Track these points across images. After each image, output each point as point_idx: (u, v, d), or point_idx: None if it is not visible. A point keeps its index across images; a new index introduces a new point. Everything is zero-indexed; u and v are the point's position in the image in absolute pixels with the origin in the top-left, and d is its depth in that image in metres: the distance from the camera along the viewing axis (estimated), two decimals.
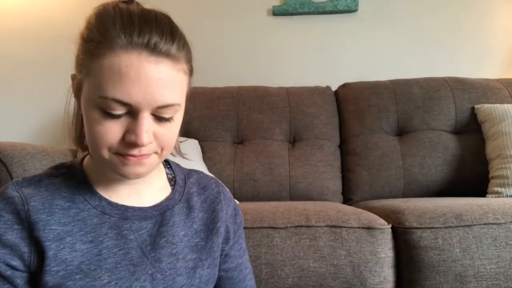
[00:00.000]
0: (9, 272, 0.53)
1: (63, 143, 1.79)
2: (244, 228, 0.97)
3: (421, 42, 1.96)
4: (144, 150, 0.53)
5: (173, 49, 0.52)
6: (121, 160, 0.53)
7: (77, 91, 0.55)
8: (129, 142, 0.52)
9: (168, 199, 0.63)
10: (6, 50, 2.00)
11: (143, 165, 0.55)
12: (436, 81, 1.68)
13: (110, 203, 0.59)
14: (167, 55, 0.51)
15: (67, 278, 0.53)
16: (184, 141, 0.69)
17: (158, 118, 0.53)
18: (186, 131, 1.66)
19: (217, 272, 0.66)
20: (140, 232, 0.59)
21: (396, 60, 1.96)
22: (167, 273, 0.59)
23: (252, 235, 0.98)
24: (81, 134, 0.60)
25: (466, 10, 1.94)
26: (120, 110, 0.51)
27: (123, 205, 0.59)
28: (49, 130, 1.98)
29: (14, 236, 0.53)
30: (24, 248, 0.53)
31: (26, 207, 0.53)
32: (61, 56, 2.04)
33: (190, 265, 0.61)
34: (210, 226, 0.65)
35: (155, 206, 0.62)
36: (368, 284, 0.95)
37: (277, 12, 1.97)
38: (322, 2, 1.93)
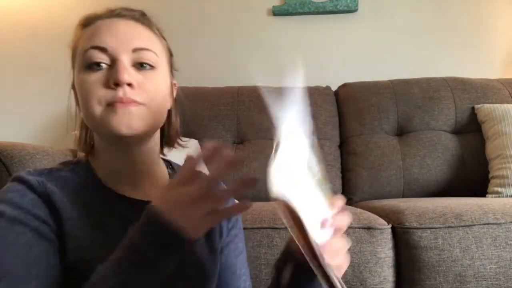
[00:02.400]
0: (51, 235, 0.53)
1: (63, 143, 1.79)
2: (244, 228, 0.97)
3: (421, 42, 1.96)
4: (129, 93, 0.56)
5: (137, 15, 0.62)
6: (111, 110, 0.56)
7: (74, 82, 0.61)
8: (112, 82, 0.56)
9: None
10: (6, 50, 2.00)
11: (131, 114, 0.56)
12: (436, 81, 1.68)
13: (118, 196, 0.60)
14: (133, 18, 0.61)
15: (83, 256, 0.53)
16: (187, 141, 0.71)
17: (137, 66, 0.59)
18: (186, 131, 1.66)
19: (218, 266, 0.66)
20: None
21: (396, 60, 1.96)
22: None
23: (252, 236, 0.98)
24: (85, 138, 0.64)
25: (466, 10, 1.94)
26: (100, 58, 0.57)
27: (130, 198, 0.60)
28: (49, 130, 1.98)
29: (41, 212, 0.54)
30: (51, 223, 0.54)
31: (44, 189, 0.55)
32: (61, 56, 2.03)
33: None
34: None
35: None
36: (368, 284, 0.95)
37: (277, 12, 1.97)
38: (322, 2, 1.93)
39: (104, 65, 0.57)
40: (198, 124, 1.65)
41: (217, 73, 2.00)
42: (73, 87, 0.63)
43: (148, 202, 0.60)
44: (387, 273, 0.97)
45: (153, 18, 0.65)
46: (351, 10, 1.94)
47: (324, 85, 1.79)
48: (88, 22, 0.61)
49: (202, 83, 1.80)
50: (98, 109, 0.56)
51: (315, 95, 1.70)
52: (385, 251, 0.98)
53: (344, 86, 1.78)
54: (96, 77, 0.57)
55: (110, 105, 0.56)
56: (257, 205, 1.13)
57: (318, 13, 1.96)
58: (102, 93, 0.56)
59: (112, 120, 0.56)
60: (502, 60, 1.94)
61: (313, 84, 1.80)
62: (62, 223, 0.54)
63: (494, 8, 1.94)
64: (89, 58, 0.57)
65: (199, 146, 1.61)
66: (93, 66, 0.57)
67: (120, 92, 0.56)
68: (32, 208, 0.53)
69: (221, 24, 2.03)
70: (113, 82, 0.56)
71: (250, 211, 1.04)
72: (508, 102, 1.58)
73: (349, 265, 0.95)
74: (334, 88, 1.79)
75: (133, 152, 0.61)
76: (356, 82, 1.76)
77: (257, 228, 0.98)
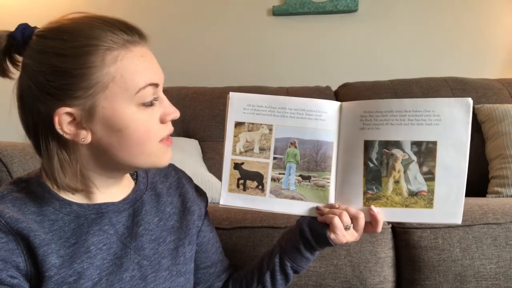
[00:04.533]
0: (15, 281, 0.51)
1: None
2: (244, 227, 0.98)
3: (421, 42, 1.96)
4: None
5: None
6: (165, 147, 0.59)
7: (83, 118, 0.53)
8: (170, 120, 0.59)
9: (134, 191, 0.65)
10: None
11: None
12: (436, 81, 1.68)
13: (81, 205, 0.58)
14: (146, 38, 0.58)
15: (62, 282, 0.53)
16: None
17: None
18: (186, 131, 1.66)
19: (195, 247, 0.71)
20: (117, 227, 0.60)
21: (396, 60, 1.96)
22: (152, 258, 0.62)
23: (252, 235, 0.98)
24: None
25: (466, 10, 1.94)
26: (151, 96, 0.56)
27: (95, 203, 0.60)
28: None
29: (3, 250, 0.51)
30: (18, 258, 0.52)
31: (3, 221, 0.52)
32: None
33: (171, 247, 0.65)
34: (181, 208, 0.69)
35: (124, 199, 0.63)
36: (368, 284, 0.95)
37: (277, 12, 1.97)
38: (322, 2, 1.94)
39: (152, 102, 0.57)
40: (198, 124, 1.65)
41: (217, 73, 2.00)
42: (61, 115, 0.53)
43: (112, 203, 0.61)
44: (387, 273, 0.97)
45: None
46: (351, 10, 1.94)
47: (324, 85, 1.79)
48: (133, 39, 0.55)
49: (202, 83, 1.80)
50: (154, 147, 0.58)
51: (315, 95, 1.70)
52: (385, 251, 0.98)
53: (344, 86, 1.78)
54: (150, 114, 0.57)
55: (162, 141, 0.59)
56: None
57: (318, 13, 1.96)
58: (160, 131, 0.58)
59: (167, 156, 0.60)
60: (502, 60, 1.94)
61: (313, 84, 1.81)
62: (34, 252, 0.52)
63: (494, 8, 1.94)
64: (148, 96, 0.56)
65: (199, 146, 1.61)
66: (147, 102, 0.56)
67: (171, 127, 0.60)
68: (6, 255, 0.51)
69: (221, 24, 2.03)
70: (170, 119, 0.59)
71: (250, 210, 1.04)
72: (508, 102, 1.58)
73: (349, 265, 0.96)
74: (334, 88, 1.79)
75: (126, 172, 0.65)
76: (356, 82, 1.76)
77: (257, 227, 0.98)
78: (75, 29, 0.53)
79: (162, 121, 0.58)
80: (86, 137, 0.54)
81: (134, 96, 0.54)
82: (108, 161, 0.57)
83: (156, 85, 0.56)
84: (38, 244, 0.52)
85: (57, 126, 0.53)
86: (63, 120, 0.53)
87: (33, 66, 0.53)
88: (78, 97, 0.52)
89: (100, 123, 0.54)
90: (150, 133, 0.56)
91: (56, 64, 0.52)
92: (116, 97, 0.53)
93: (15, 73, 0.58)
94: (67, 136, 0.54)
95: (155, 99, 0.57)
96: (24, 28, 0.55)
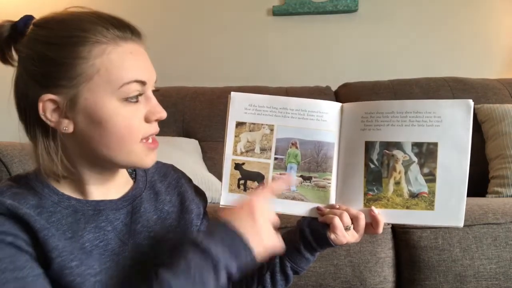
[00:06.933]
0: (30, 249, 0.52)
1: None
2: None
3: (421, 42, 1.96)
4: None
5: (143, 37, 0.59)
6: (148, 147, 0.59)
7: (65, 107, 0.54)
8: (155, 120, 0.58)
9: (133, 189, 0.66)
10: None
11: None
12: (436, 81, 1.68)
13: (80, 201, 0.59)
14: (140, 36, 0.59)
15: (64, 266, 0.53)
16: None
17: None
18: (186, 131, 1.66)
19: None
20: (115, 224, 0.60)
21: (396, 60, 1.96)
22: (150, 255, 0.62)
23: None
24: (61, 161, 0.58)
25: (466, 10, 1.94)
26: (135, 92, 0.56)
27: (93, 200, 0.60)
28: None
29: (12, 229, 0.52)
30: (25, 236, 0.53)
31: (4, 207, 0.52)
32: None
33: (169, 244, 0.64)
34: (179, 207, 0.69)
35: (123, 197, 0.64)
36: (368, 284, 0.95)
37: (277, 12, 1.97)
38: (322, 2, 1.94)
39: (138, 98, 0.57)
40: (198, 124, 1.65)
41: (217, 73, 2.00)
42: (46, 102, 0.54)
43: (110, 201, 0.61)
44: (387, 273, 0.97)
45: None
46: (351, 10, 1.94)
47: (324, 85, 1.79)
48: (124, 36, 0.56)
49: (202, 83, 1.80)
50: (137, 144, 0.57)
51: (315, 95, 1.70)
52: (385, 251, 0.98)
53: (344, 86, 1.78)
54: (134, 110, 0.56)
55: (146, 140, 0.58)
56: None
57: (318, 13, 1.96)
58: (142, 128, 0.57)
59: (149, 158, 0.59)
60: (502, 60, 1.94)
61: (313, 84, 1.81)
62: (36, 235, 0.53)
63: (494, 8, 1.94)
64: (132, 91, 0.55)
65: (199, 146, 1.61)
66: (131, 97, 0.55)
67: (157, 128, 0.59)
68: (15, 231, 0.52)
69: (221, 24, 2.03)
70: (156, 118, 0.58)
71: None
72: (508, 102, 1.58)
73: (349, 265, 0.96)
74: (334, 88, 1.79)
75: (114, 169, 0.63)
76: (356, 82, 1.76)
77: None
78: (66, 20, 0.55)
79: (147, 120, 0.58)
80: (68, 126, 0.55)
81: (117, 90, 0.54)
82: (91, 155, 0.58)
83: (142, 82, 0.56)
84: (38, 228, 0.53)
85: (40, 112, 0.54)
86: (47, 107, 0.54)
87: (25, 52, 0.56)
88: (62, 86, 0.54)
89: (82, 114, 0.55)
90: (131, 130, 0.56)
91: (44, 51, 0.54)
92: (99, 89, 0.54)
93: None
94: (50, 124, 0.55)
95: (140, 95, 0.56)
96: (27, 19, 0.58)
